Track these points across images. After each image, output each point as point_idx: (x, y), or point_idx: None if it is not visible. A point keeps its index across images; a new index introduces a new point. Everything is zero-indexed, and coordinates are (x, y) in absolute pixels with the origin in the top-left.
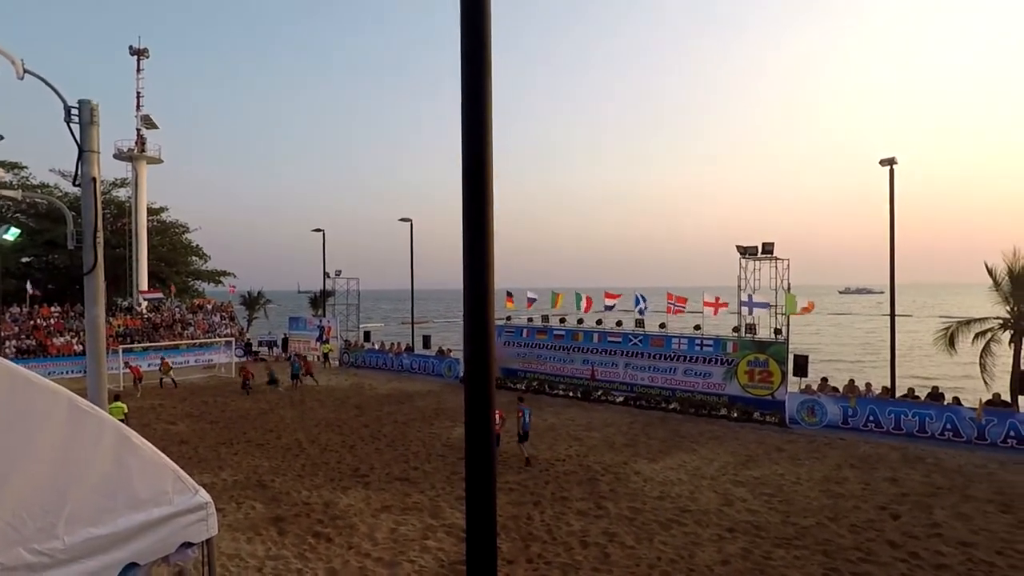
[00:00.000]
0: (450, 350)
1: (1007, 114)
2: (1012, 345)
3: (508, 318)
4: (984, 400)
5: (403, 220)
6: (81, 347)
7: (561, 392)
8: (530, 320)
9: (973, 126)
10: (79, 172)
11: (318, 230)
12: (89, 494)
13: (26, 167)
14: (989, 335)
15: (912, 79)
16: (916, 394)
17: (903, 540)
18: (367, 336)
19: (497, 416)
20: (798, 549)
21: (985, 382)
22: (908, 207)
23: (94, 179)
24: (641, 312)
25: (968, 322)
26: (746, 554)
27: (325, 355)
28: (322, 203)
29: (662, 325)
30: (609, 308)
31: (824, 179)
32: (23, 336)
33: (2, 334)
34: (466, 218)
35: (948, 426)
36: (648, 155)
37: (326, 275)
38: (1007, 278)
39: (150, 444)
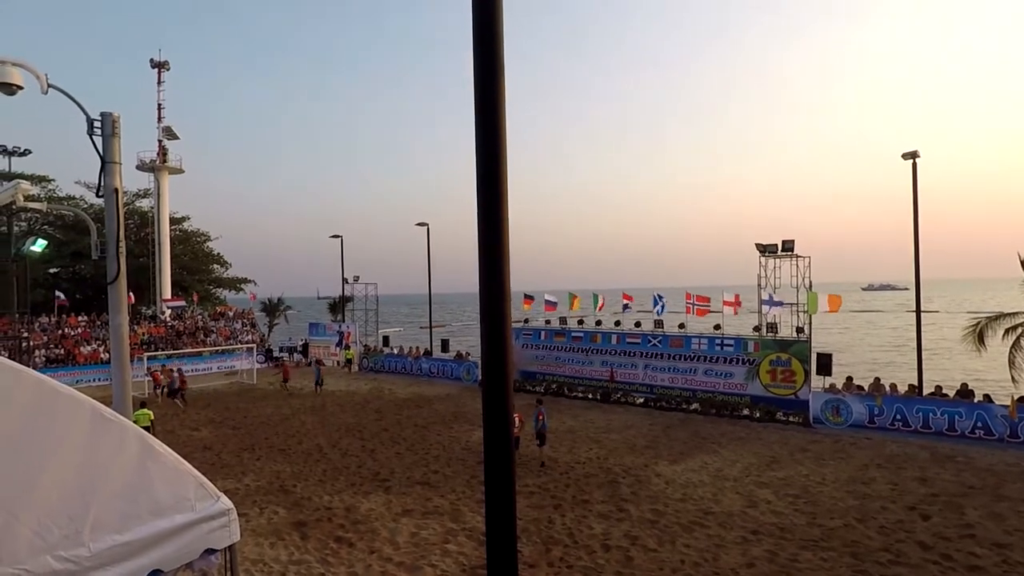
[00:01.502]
0: (468, 353)
1: None
2: None
3: (526, 320)
4: (1017, 397)
5: (420, 224)
6: (108, 355)
7: (580, 394)
8: (548, 322)
9: (1000, 119)
10: (102, 183)
11: (336, 236)
12: (113, 501)
13: (53, 180)
14: (1020, 330)
15: (936, 73)
16: (944, 392)
17: (934, 541)
18: (386, 341)
19: (517, 419)
20: (825, 551)
21: (1013, 378)
22: (933, 202)
23: (116, 190)
24: (659, 312)
25: (997, 317)
26: (772, 557)
27: (348, 361)
28: (340, 208)
29: (681, 325)
30: (626, 308)
31: (846, 175)
32: (52, 345)
33: (31, 343)
34: (481, 220)
35: (979, 424)
36: (668, 153)
37: (345, 281)
38: None
39: (172, 451)
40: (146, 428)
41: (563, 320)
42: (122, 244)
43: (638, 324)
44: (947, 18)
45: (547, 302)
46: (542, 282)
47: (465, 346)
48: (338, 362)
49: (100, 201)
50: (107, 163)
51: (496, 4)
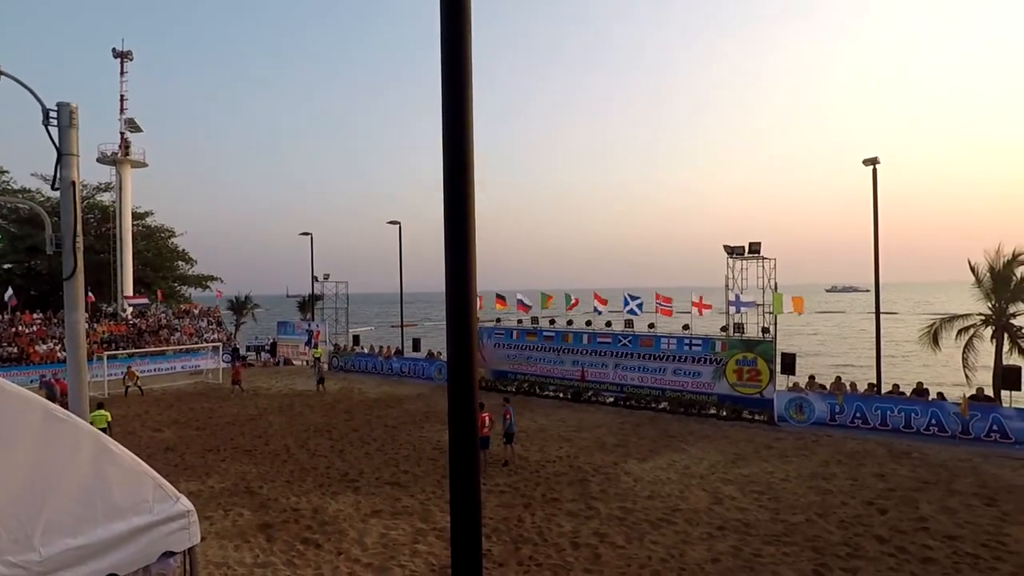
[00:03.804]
0: (440, 353)
1: (998, 115)
2: (994, 340)
3: (498, 320)
4: (968, 395)
5: (392, 223)
6: (65, 354)
7: (551, 393)
8: (520, 322)
9: (964, 126)
10: (58, 176)
11: (306, 233)
12: (66, 504)
13: (7, 171)
14: (972, 331)
15: (901, 79)
16: (901, 390)
17: (890, 535)
18: (356, 340)
19: (487, 419)
20: (787, 546)
21: (967, 376)
22: (897, 206)
23: (73, 183)
24: (632, 312)
25: (951, 319)
26: (736, 552)
27: (316, 359)
28: (310, 206)
29: (651, 325)
30: (599, 311)
31: (811, 178)
32: (5, 343)
33: None
34: (447, 218)
35: (933, 421)
36: (637, 155)
37: (314, 279)
38: (988, 275)
39: (129, 452)
40: (103, 430)
41: (535, 320)
42: (79, 239)
43: (609, 324)
44: (914, 27)
45: (519, 302)
46: (514, 282)
47: (437, 345)
48: (307, 361)
49: (57, 194)
50: (64, 155)
51: (464, 7)
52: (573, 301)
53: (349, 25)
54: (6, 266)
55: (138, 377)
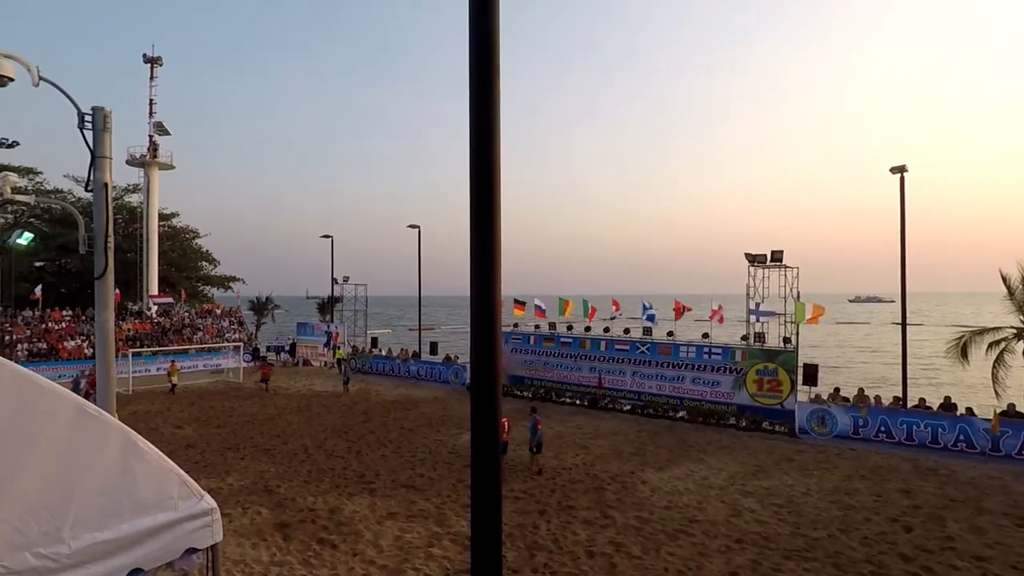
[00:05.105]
0: (457, 357)
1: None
2: None
3: (515, 325)
4: (999, 411)
5: (411, 227)
6: (92, 351)
7: (568, 400)
8: (537, 327)
9: (990, 134)
10: (91, 178)
11: (327, 236)
12: (94, 498)
13: (41, 172)
14: (1003, 345)
15: (927, 85)
16: (928, 405)
17: (916, 553)
18: (374, 342)
19: (505, 424)
20: (808, 561)
21: (996, 393)
22: (922, 215)
23: (106, 185)
24: (649, 319)
25: (981, 332)
26: (755, 566)
27: (338, 361)
28: (331, 209)
29: (670, 333)
30: (613, 318)
31: (835, 186)
32: (34, 339)
33: (14, 337)
34: (474, 225)
35: (961, 437)
36: (661, 161)
37: (334, 281)
38: (1021, 286)
39: (156, 449)
40: None
41: (552, 325)
42: (110, 239)
43: (627, 331)
44: (943, 32)
45: (537, 308)
46: (531, 286)
47: (454, 349)
48: (326, 362)
49: (88, 195)
50: (97, 158)
51: (493, 6)
52: (590, 310)
53: (357, 26)
54: (37, 264)
55: (178, 372)
